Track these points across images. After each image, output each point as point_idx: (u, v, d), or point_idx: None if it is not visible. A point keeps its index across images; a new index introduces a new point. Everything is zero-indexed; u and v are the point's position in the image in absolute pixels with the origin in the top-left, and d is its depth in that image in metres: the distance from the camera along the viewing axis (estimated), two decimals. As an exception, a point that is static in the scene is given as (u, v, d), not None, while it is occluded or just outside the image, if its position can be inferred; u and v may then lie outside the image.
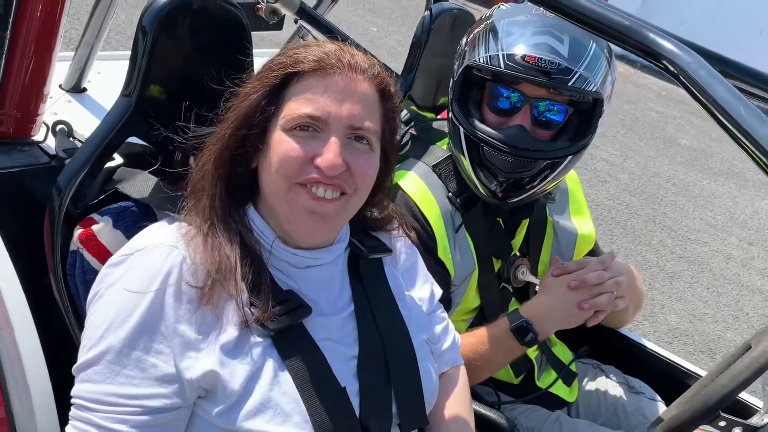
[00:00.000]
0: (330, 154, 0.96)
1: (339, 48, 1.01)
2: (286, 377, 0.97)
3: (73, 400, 0.94)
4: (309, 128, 0.98)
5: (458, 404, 1.23)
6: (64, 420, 0.97)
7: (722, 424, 1.31)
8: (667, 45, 0.92)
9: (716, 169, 5.92)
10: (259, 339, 0.97)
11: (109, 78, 1.70)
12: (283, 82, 0.99)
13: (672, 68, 0.91)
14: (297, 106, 0.98)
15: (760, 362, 1.21)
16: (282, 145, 0.98)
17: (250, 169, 1.04)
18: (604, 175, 5.09)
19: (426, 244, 1.44)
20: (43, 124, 1.31)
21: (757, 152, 0.76)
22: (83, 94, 1.61)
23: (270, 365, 0.97)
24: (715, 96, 0.85)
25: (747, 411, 1.45)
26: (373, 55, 1.09)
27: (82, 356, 0.94)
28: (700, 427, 1.49)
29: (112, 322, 0.92)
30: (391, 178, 1.18)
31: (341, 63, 0.99)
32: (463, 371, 1.31)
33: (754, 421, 1.37)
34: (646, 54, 0.94)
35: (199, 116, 1.15)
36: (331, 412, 0.99)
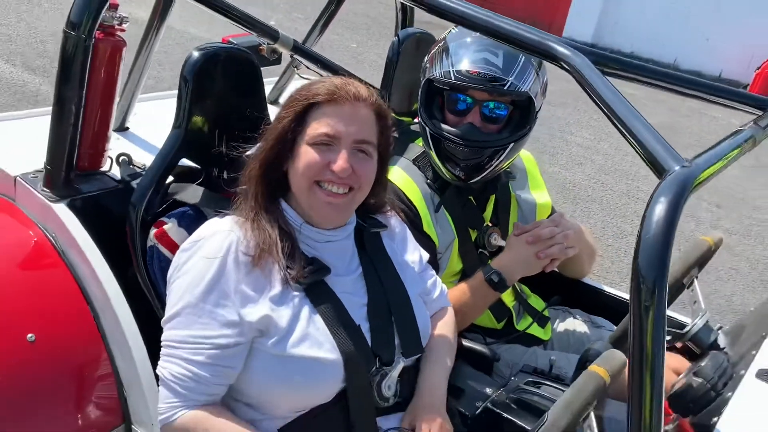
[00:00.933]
0: (341, 161, 1.33)
1: (345, 82, 1.38)
2: (317, 318, 1.34)
3: (162, 344, 1.30)
4: (326, 143, 1.35)
5: (445, 329, 1.62)
6: (155, 368, 1.33)
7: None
8: (562, 50, 1.28)
9: (685, 142, 6.31)
10: (296, 293, 1.34)
11: (144, 117, 2.08)
12: (305, 110, 1.36)
13: (567, 67, 1.29)
14: (317, 127, 1.35)
15: (674, 276, 1.58)
16: (307, 155, 1.35)
17: (282, 172, 1.41)
18: (579, 158, 5.47)
19: (413, 221, 1.81)
20: (108, 158, 1.69)
21: (626, 132, 1.10)
22: (127, 131, 2.00)
23: (305, 310, 1.34)
24: (595, 87, 1.21)
25: (680, 327, 1.82)
26: (362, 80, 1.47)
27: (169, 311, 1.31)
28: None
29: (188, 286, 1.29)
30: (386, 175, 1.55)
31: (348, 94, 1.35)
32: (449, 311, 1.69)
33: (683, 331, 1.74)
34: (549, 58, 1.31)
35: (230, 139, 1.54)
36: (350, 342, 1.35)
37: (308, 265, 1.37)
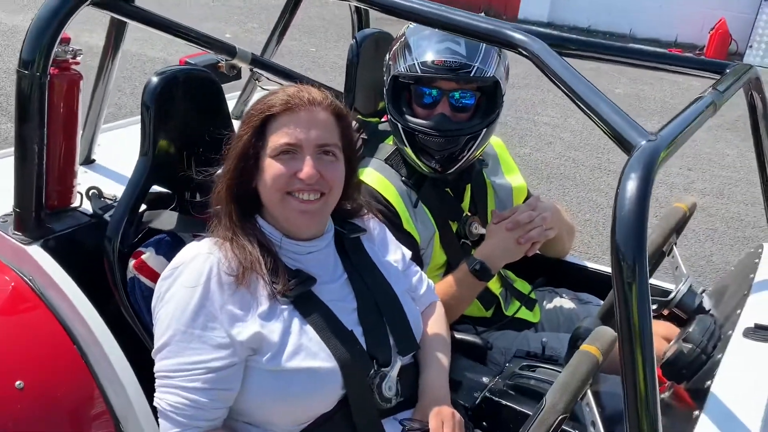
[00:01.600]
0: (307, 168, 1.34)
1: (298, 89, 1.39)
2: (308, 328, 1.34)
3: (156, 375, 1.29)
4: (289, 152, 1.35)
5: (435, 323, 1.63)
6: (149, 399, 1.32)
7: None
8: (519, 36, 1.29)
9: (650, 109, 6.40)
10: (284, 306, 1.34)
11: (109, 147, 2.06)
12: (263, 123, 1.37)
13: (525, 53, 1.30)
14: (277, 138, 1.35)
15: (652, 248, 1.61)
16: (272, 168, 1.36)
17: (251, 189, 1.41)
18: (548, 138, 5.52)
19: (392, 220, 1.82)
20: (77, 193, 1.67)
21: (591, 113, 1.11)
22: (94, 164, 1.98)
23: (296, 322, 1.34)
24: (555, 70, 1.22)
25: (664, 295, 1.85)
26: (321, 84, 1.47)
27: (157, 342, 1.30)
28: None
29: (174, 314, 1.28)
30: (357, 176, 1.56)
31: (303, 101, 1.36)
32: (438, 305, 1.70)
33: (668, 298, 1.77)
34: (506, 45, 1.32)
35: (197, 160, 1.53)
36: (346, 348, 1.35)
37: (293, 278, 1.37)
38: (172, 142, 1.53)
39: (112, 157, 1.98)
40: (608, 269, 2.24)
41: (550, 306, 2.14)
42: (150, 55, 6.38)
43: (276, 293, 1.33)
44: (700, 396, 1.23)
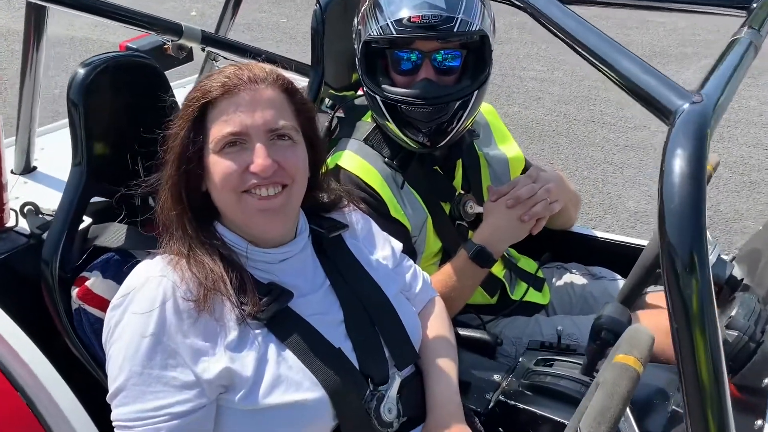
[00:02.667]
0: (260, 159, 1.12)
1: (237, 68, 1.17)
2: (288, 354, 1.14)
3: (114, 424, 1.09)
4: (235, 143, 1.14)
5: (437, 324, 1.43)
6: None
7: (664, 279, 1.52)
8: None
9: (638, 53, 6.11)
10: (257, 330, 1.14)
11: (53, 151, 1.82)
12: (201, 114, 1.15)
13: (519, 3, 1.07)
14: (219, 129, 1.13)
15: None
16: (218, 165, 1.14)
17: (202, 193, 1.19)
18: (536, 93, 5.28)
19: (378, 208, 1.61)
20: (11, 211, 1.44)
21: (605, 69, 0.90)
22: (35, 172, 1.74)
23: (272, 348, 1.13)
24: (557, 22, 0.99)
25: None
26: (288, 59, 1.23)
27: (111, 386, 1.09)
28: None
29: (127, 351, 1.08)
30: (323, 159, 1.34)
31: (242, 80, 1.14)
32: (438, 300, 1.50)
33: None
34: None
35: (147, 160, 1.30)
36: (334, 371, 1.15)
37: (265, 294, 1.17)
38: (110, 144, 1.30)
39: (57, 162, 1.74)
40: (619, 238, 2.05)
41: (560, 284, 1.95)
42: (112, 40, 6.04)
43: (245, 316, 1.12)
44: (756, 395, 1.04)
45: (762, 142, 4.52)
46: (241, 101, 1.14)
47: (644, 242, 1.99)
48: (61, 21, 5.74)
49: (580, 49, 0.87)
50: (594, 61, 0.83)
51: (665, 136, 0.74)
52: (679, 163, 0.68)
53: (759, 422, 0.96)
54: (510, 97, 5.17)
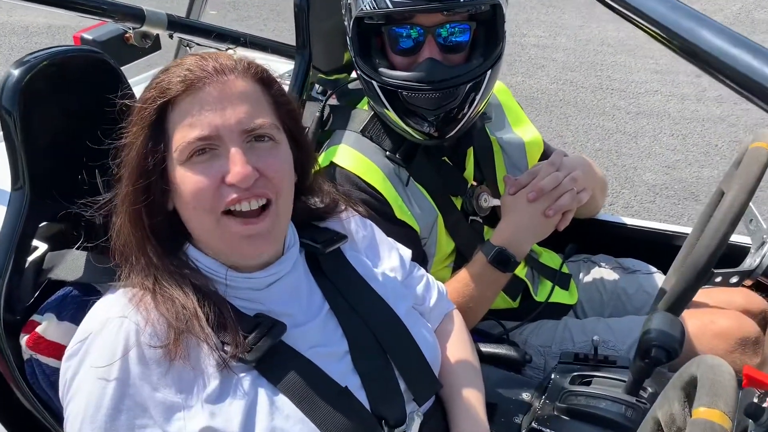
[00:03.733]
0: (237, 166, 0.92)
1: (200, 58, 0.97)
2: (283, 401, 0.95)
3: None
4: (205, 150, 0.94)
5: (458, 346, 1.24)
6: None
7: (718, 279, 1.31)
8: None
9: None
10: (243, 374, 0.95)
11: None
12: (159, 117, 0.94)
13: None
14: (183, 134, 0.93)
15: (734, 211, 1.20)
16: (187, 179, 0.94)
17: (168, 213, 0.99)
18: (539, 60, 5.03)
19: (381, 211, 1.40)
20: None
21: (689, 57, 0.68)
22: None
23: (263, 395, 0.95)
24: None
25: (739, 253, 1.45)
26: (275, 42, 1.01)
27: None
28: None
29: (86, 412, 0.90)
30: (312, 158, 1.14)
31: (206, 72, 0.94)
32: (456, 315, 1.31)
33: (747, 264, 1.37)
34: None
35: (105, 173, 1.09)
36: (340, 416, 0.97)
37: (252, 329, 0.97)
38: (58, 158, 1.08)
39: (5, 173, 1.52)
40: (650, 224, 1.84)
41: (588, 280, 1.75)
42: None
43: (228, 361, 0.92)
44: None
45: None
46: (207, 98, 0.93)
47: (679, 228, 1.79)
48: (37, 9, 5.48)
49: (651, 27, 0.65)
50: (669, 39, 0.61)
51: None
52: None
53: None
54: (511, 66, 4.92)
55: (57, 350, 1.04)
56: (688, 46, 0.61)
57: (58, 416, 1.05)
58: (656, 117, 4.15)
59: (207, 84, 0.94)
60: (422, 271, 1.31)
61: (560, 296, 1.66)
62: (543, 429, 1.25)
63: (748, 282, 1.36)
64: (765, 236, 1.38)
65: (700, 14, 0.63)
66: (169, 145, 0.95)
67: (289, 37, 1.81)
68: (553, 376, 1.37)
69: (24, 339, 1.05)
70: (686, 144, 3.85)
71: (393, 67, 1.38)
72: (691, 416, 0.76)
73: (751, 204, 1.35)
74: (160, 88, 0.94)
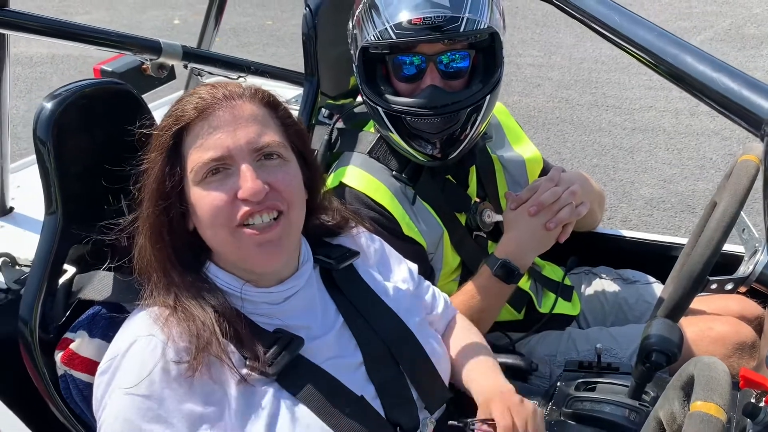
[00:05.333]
0: (248, 182, 0.99)
1: (211, 87, 1.04)
2: (303, 411, 1.00)
3: None
4: (218, 170, 1.00)
5: (462, 333, 1.33)
6: None
7: (714, 286, 1.37)
8: None
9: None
10: (264, 387, 1.00)
11: (31, 187, 1.68)
12: (176, 142, 1.02)
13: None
14: (198, 156, 1.00)
15: (725, 221, 1.26)
16: (203, 199, 1.01)
17: (188, 232, 1.05)
18: (535, 80, 5.12)
19: (389, 228, 1.46)
20: (-16, 263, 1.30)
21: (661, 69, 0.75)
22: (12, 214, 1.59)
23: (284, 407, 1.00)
24: (593, 13, 0.84)
25: (734, 261, 1.51)
26: (279, 69, 1.08)
27: None
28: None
29: (114, 425, 0.95)
30: (320, 177, 1.20)
31: (217, 99, 1.02)
32: (459, 316, 1.39)
33: (741, 271, 1.44)
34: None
35: (128, 197, 1.15)
36: (358, 424, 1.02)
37: (272, 344, 1.02)
38: (88, 185, 1.15)
39: (37, 200, 1.59)
40: (648, 236, 1.91)
41: (590, 291, 1.81)
42: (96, 55, 5.87)
43: (247, 376, 0.98)
44: None
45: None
46: (218, 122, 1.01)
47: (676, 239, 1.86)
48: (40, 41, 5.59)
49: (624, 43, 0.72)
50: (649, 59, 0.68)
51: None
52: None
53: None
54: (508, 85, 5.01)
55: (90, 366, 1.09)
56: (673, 70, 0.67)
57: (91, 429, 1.10)
58: (651, 132, 4.23)
59: (217, 109, 1.01)
60: (428, 283, 1.37)
61: (563, 307, 1.72)
62: (551, 434, 1.31)
63: (743, 288, 1.42)
64: (757, 245, 1.44)
65: (683, 42, 0.70)
66: (185, 167, 1.02)
67: (289, 62, 1.88)
68: (558, 383, 1.42)
69: (59, 356, 1.11)
70: (681, 158, 3.92)
71: (397, 94, 1.45)
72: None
73: (743, 214, 1.42)
74: (175, 116, 1.02)
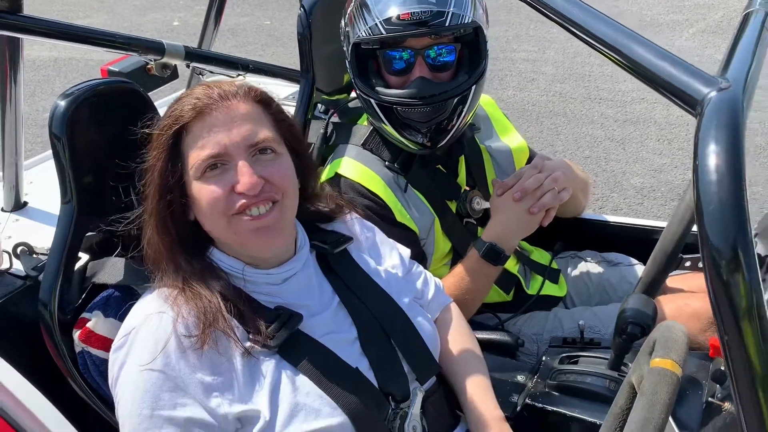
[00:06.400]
0: (245, 177, 1.07)
1: (206, 87, 1.12)
2: (303, 380, 1.09)
3: None
4: (216, 166, 1.09)
5: (459, 336, 1.38)
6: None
7: (687, 264, 1.46)
8: None
9: (629, 25, 6.03)
10: (267, 359, 1.08)
11: (43, 183, 1.76)
12: (175, 141, 1.10)
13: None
14: (197, 154, 1.09)
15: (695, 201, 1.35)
16: (202, 192, 1.09)
17: (190, 222, 1.14)
18: (529, 74, 5.20)
19: (383, 215, 1.55)
20: (4, 253, 1.38)
21: (616, 56, 0.83)
22: (26, 208, 1.68)
23: (285, 377, 1.08)
24: (556, 7, 0.92)
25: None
26: (277, 67, 1.16)
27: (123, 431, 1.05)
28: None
29: (134, 396, 1.03)
30: (312, 167, 1.28)
31: (212, 99, 1.10)
32: (453, 307, 1.45)
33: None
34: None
35: (136, 190, 1.24)
36: (353, 392, 1.10)
37: (273, 320, 1.11)
38: (100, 177, 1.24)
39: (49, 195, 1.68)
40: (632, 221, 1.99)
41: (575, 273, 1.90)
42: (97, 58, 5.96)
43: (251, 349, 1.07)
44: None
45: (762, 105, 4.45)
46: (215, 121, 1.09)
47: (658, 223, 1.94)
48: (43, 44, 5.67)
49: (589, 39, 0.81)
50: (605, 50, 0.77)
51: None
52: (714, 161, 0.63)
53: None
54: (503, 80, 5.10)
55: (105, 343, 1.19)
56: (626, 60, 0.76)
57: (107, 402, 1.19)
58: (643, 123, 4.32)
59: (214, 109, 1.09)
60: (421, 268, 1.46)
61: (550, 289, 1.81)
62: (536, 404, 1.39)
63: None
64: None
65: (635, 34, 0.79)
66: (186, 164, 1.10)
67: (287, 61, 1.97)
68: (544, 358, 1.51)
69: (76, 334, 1.20)
70: (672, 148, 4.01)
71: (388, 86, 1.54)
72: (650, 368, 0.90)
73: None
74: (174, 117, 1.10)
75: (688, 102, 0.68)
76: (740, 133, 0.63)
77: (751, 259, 0.61)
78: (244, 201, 1.09)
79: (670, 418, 0.89)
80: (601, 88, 4.84)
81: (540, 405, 1.37)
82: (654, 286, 1.39)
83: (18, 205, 1.67)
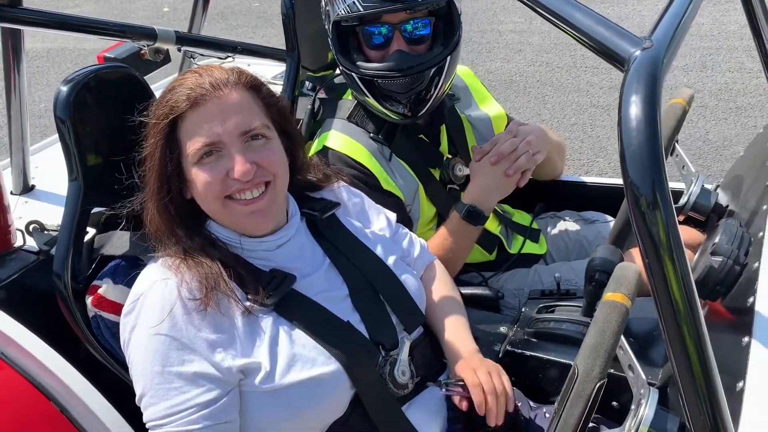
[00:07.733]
0: (238, 165, 1.17)
1: (198, 75, 1.20)
2: (299, 334, 1.20)
3: (147, 426, 1.15)
4: (212, 153, 1.18)
5: (441, 288, 1.49)
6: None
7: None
8: None
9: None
10: (265, 316, 1.19)
11: (48, 167, 1.87)
12: (171, 128, 1.19)
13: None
14: (193, 143, 1.18)
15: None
16: (199, 176, 1.19)
17: (187, 201, 1.24)
18: (516, 45, 5.27)
19: (369, 183, 1.66)
20: (17, 231, 1.49)
21: (565, 26, 0.92)
22: (34, 191, 1.79)
23: (282, 331, 1.19)
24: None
25: (676, 198, 1.70)
26: (266, 48, 1.24)
27: (138, 389, 1.15)
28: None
29: (145, 355, 1.14)
30: (300, 141, 1.38)
31: (205, 89, 1.17)
32: (437, 264, 1.56)
33: (680, 203, 1.62)
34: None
35: (140, 167, 1.34)
36: (345, 343, 1.21)
37: (269, 281, 1.22)
38: (103, 155, 1.34)
39: (54, 178, 1.79)
40: (607, 180, 2.10)
41: (555, 232, 2.01)
42: (89, 48, 6.02)
43: (250, 308, 1.18)
44: (743, 314, 1.09)
45: (745, 66, 4.53)
46: (209, 112, 1.17)
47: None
48: (35, 35, 5.73)
49: (535, 6, 0.90)
50: (548, 16, 0.87)
51: None
52: (634, 110, 0.73)
53: (746, 339, 1.02)
54: (491, 52, 5.16)
55: (116, 308, 1.29)
56: (568, 26, 0.86)
57: (120, 362, 1.31)
58: (627, 89, 4.39)
59: (207, 99, 1.17)
60: (406, 230, 1.56)
61: (531, 248, 1.91)
62: (516, 350, 1.50)
63: (681, 217, 1.60)
64: (693, 178, 1.63)
65: (575, 2, 0.88)
66: (182, 150, 1.19)
67: (277, 42, 2.06)
68: (523, 309, 1.62)
69: (89, 300, 1.31)
70: (656, 112, 4.08)
71: (369, 61, 1.63)
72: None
73: (682, 152, 1.61)
74: (169, 106, 1.18)
75: (618, 60, 0.78)
76: (657, 87, 0.73)
77: (665, 193, 0.71)
78: (237, 186, 1.18)
79: (627, 346, 0.99)
80: (587, 56, 4.92)
81: (519, 351, 1.48)
82: (621, 237, 1.50)
83: (26, 188, 1.77)
